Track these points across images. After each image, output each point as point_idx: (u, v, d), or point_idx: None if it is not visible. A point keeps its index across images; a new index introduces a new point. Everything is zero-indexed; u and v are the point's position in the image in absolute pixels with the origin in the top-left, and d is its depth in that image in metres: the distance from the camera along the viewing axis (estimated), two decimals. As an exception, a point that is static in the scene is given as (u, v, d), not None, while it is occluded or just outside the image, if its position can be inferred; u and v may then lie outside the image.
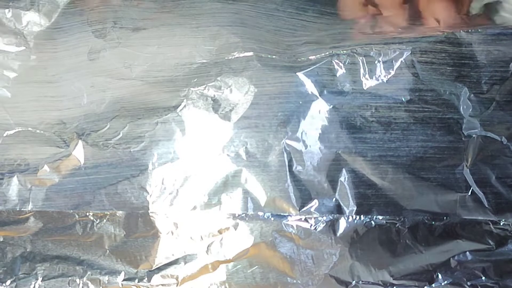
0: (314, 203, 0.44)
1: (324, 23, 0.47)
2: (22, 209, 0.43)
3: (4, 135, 0.44)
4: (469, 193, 0.45)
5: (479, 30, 0.46)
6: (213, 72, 0.45)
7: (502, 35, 0.46)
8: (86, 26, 0.46)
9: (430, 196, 0.45)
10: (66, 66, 0.45)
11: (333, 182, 0.44)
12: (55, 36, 0.46)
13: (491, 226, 0.45)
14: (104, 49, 0.45)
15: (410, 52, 0.45)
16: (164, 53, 0.45)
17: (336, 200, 0.44)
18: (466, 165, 0.45)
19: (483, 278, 0.44)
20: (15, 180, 0.43)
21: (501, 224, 0.45)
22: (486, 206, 0.45)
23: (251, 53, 0.45)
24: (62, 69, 0.45)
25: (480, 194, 0.45)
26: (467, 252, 0.44)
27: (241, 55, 0.45)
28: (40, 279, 0.43)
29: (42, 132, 0.44)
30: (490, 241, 0.45)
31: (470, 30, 0.45)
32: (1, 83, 0.45)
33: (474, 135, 0.45)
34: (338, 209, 0.44)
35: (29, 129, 0.44)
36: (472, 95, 0.45)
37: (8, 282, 0.42)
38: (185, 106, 0.44)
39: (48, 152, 0.44)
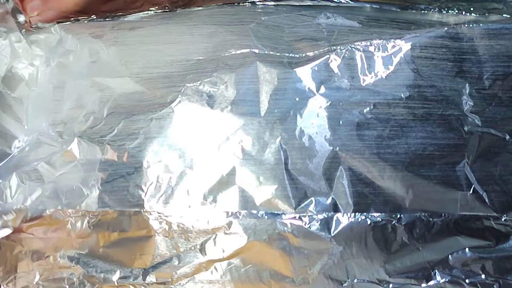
0: (310, 202, 0.43)
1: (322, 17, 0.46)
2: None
3: None
4: (471, 191, 0.44)
5: (480, 24, 0.44)
6: (209, 68, 0.44)
7: (504, 29, 0.44)
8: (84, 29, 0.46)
9: (430, 195, 0.43)
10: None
11: (330, 180, 0.43)
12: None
13: (492, 221, 0.44)
14: (101, 49, 0.45)
15: (409, 47, 0.44)
16: (161, 50, 0.45)
17: (333, 198, 0.43)
18: (467, 163, 0.44)
19: (483, 275, 0.43)
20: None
21: (503, 219, 0.44)
22: (489, 204, 0.43)
23: (247, 50, 0.44)
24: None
25: (482, 192, 0.44)
26: (466, 249, 0.43)
27: (238, 52, 0.44)
28: (37, 278, 0.43)
29: None
30: (490, 237, 0.44)
31: (471, 25, 0.44)
32: None
33: (475, 132, 0.44)
34: (335, 208, 0.43)
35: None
36: (473, 91, 0.44)
37: (6, 281, 0.43)
38: (180, 101, 0.43)
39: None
